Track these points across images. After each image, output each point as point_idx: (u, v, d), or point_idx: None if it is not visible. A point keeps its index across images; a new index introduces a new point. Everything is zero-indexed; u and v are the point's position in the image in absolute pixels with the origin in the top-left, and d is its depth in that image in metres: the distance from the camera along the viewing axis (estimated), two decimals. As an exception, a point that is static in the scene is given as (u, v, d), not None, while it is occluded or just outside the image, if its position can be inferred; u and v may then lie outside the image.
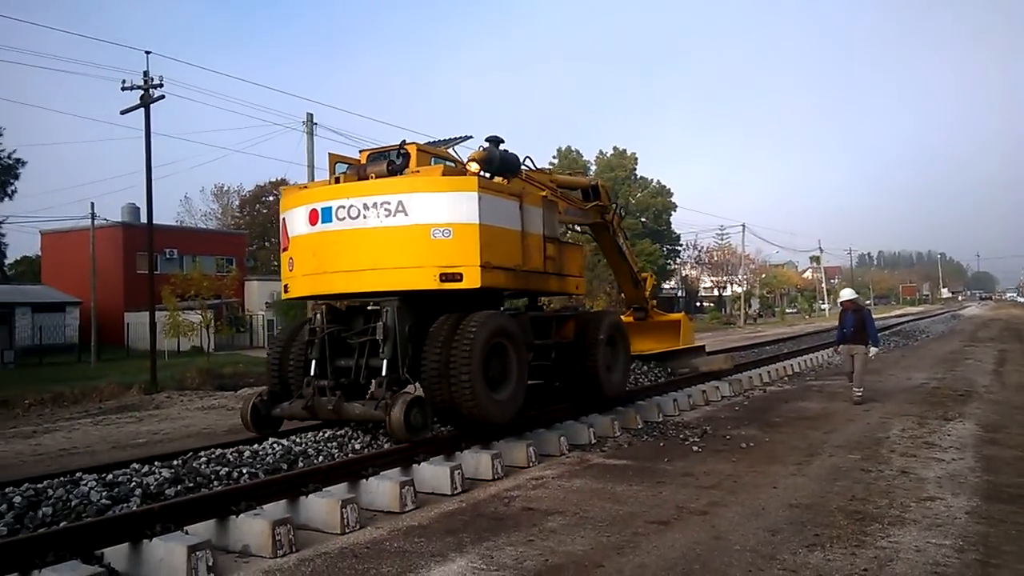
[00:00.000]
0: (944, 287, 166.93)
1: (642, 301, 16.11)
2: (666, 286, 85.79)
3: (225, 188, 73.42)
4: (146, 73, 24.59)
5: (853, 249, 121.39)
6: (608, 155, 75.66)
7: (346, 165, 10.26)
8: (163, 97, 24.48)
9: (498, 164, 10.28)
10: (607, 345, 11.63)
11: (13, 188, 33.93)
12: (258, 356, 34.32)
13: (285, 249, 9.90)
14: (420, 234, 8.92)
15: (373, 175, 9.47)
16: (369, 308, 9.57)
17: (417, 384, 9.13)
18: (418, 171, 9.61)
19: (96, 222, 38.99)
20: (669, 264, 78.19)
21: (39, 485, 6.80)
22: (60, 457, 10.77)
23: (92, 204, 36.84)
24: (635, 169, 75.79)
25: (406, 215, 8.95)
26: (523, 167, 11.13)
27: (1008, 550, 5.80)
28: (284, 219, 9.93)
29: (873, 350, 14.01)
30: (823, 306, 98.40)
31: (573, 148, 75.14)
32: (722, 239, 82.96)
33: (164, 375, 22.17)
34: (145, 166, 23.49)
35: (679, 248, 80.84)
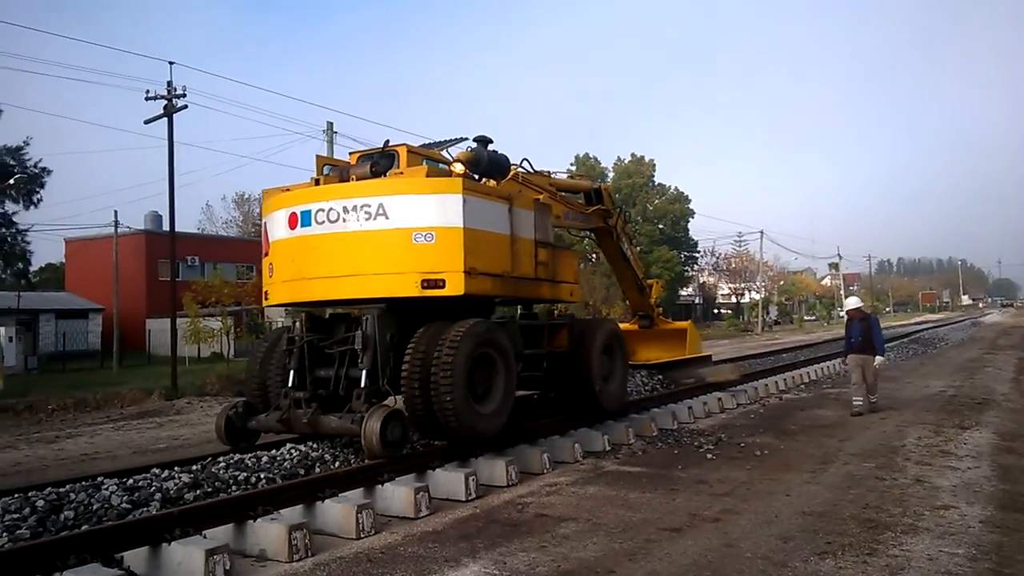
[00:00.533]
0: (964, 294, 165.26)
1: (648, 308, 15.56)
2: (683, 293, 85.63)
3: (246, 196, 73.93)
4: (170, 83, 24.92)
5: (872, 256, 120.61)
6: (626, 162, 75.68)
7: (331, 167, 10.00)
8: (186, 107, 24.81)
9: (486, 165, 9.96)
10: (603, 354, 11.30)
11: (39, 197, 34.41)
12: (276, 362, 34.53)
13: (266, 254, 9.57)
14: (401, 239, 8.55)
15: (355, 177, 9.22)
16: (352, 316, 9.26)
17: (399, 397, 8.74)
18: (402, 172, 9.34)
19: (119, 230, 39.51)
20: (687, 271, 78.04)
21: (61, 489, 6.94)
22: (82, 462, 10.95)
23: (116, 212, 37.38)
24: (653, 176, 75.76)
25: (387, 218, 8.58)
26: (520, 169, 10.81)
27: (1022, 559, 5.79)
28: (265, 223, 9.66)
29: (879, 359, 13.64)
30: (842, 313, 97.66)
31: (592, 155, 75.27)
32: (740, 246, 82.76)
33: (184, 381, 22.41)
34: (168, 175, 23.80)
35: (697, 255, 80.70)
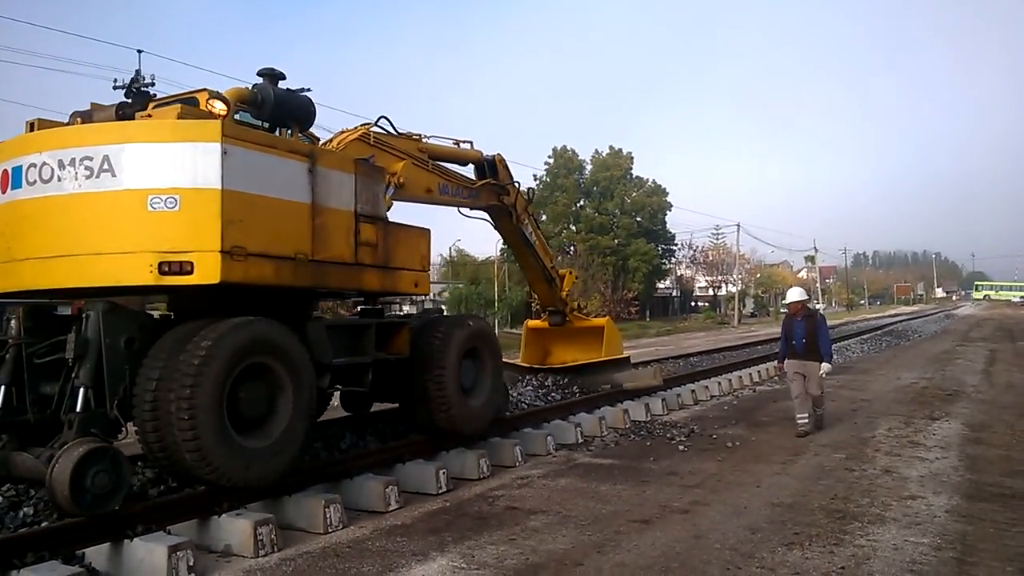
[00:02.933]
0: (939, 287, 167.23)
1: (558, 303, 13.24)
2: (661, 286, 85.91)
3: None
4: (138, 71, 24.48)
5: (848, 249, 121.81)
6: (604, 154, 75.72)
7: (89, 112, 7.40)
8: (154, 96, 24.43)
9: (272, 107, 7.35)
10: (466, 361, 8.88)
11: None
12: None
13: None
14: (132, 204, 6.18)
15: (80, 120, 7.06)
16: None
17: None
18: (149, 115, 7.17)
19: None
20: (664, 264, 78.29)
21: (20, 486, 6.79)
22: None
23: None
24: (631, 168, 75.84)
25: (114, 176, 6.20)
26: (376, 128, 8.99)
27: (984, 548, 5.85)
28: None
29: (825, 367, 10.75)
30: (818, 306, 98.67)
31: (569, 147, 75.23)
32: (717, 239, 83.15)
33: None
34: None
35: (674, 248, 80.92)
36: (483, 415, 9.07)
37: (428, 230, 8.70)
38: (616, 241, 71.25)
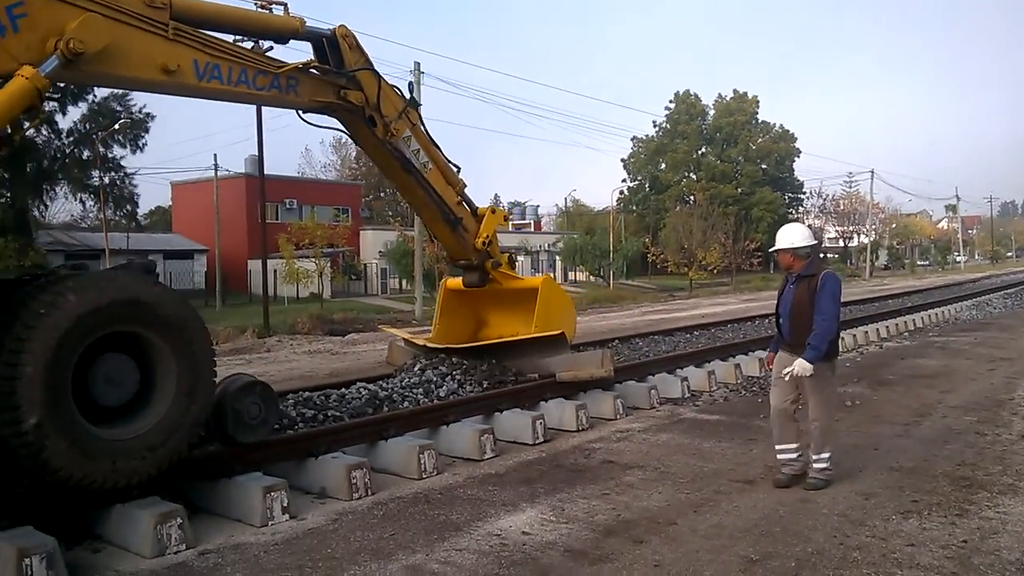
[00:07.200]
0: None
1: (468, 253, 9.19)
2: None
3: (343, 140, 75.26)
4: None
5: (995, 197, 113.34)
6: (728, 99, 72.89)
7: None
8: (271, 48, 24.93)
9: None
10: (107, 358, 5.26)
11: (144, 141, 35.67)
12: (371, 303, 35.36)
13: None
14: None
15: None
16: None
17: None
18: None
19: (221, 173, 40.83)
20: (791, 214, 75.21)
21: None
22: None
23: (215, 156, 39.10)
24: (756, 113, 72.85)
25: None
26: None
27: None
28: None
29: (801, 365, 6.05)
30: (959, 258, 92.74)
31: (692, 92, 72.80)
32: (849, 187, 78.98)
33: (277, 320, 23.03)
34: (256, 120, 24.05)
35: (802, 196, 77.64)
36: (144, 453, 5.24)
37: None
38: (739, 190, 68.94)
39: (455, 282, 10.03)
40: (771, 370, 6.69)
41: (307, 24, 7.41)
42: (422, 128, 8.59)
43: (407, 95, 8.41)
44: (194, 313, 5.68)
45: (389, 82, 8.20)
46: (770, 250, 7.17)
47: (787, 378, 6.22)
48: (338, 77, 7.55)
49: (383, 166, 8.73)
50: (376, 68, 7.93)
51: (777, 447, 6.39)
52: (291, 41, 7.50)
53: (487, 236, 9.21)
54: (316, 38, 7.60)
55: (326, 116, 7.86)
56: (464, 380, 8.86)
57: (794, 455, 6.30)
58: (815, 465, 6.19)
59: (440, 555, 4.95)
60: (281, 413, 7.22)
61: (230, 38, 6.85)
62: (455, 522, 5.55)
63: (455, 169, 9.05)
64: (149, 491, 5.42)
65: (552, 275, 53.60)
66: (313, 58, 7.54)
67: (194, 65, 6.41)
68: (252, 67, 6.85)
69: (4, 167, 31.63)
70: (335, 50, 7.62)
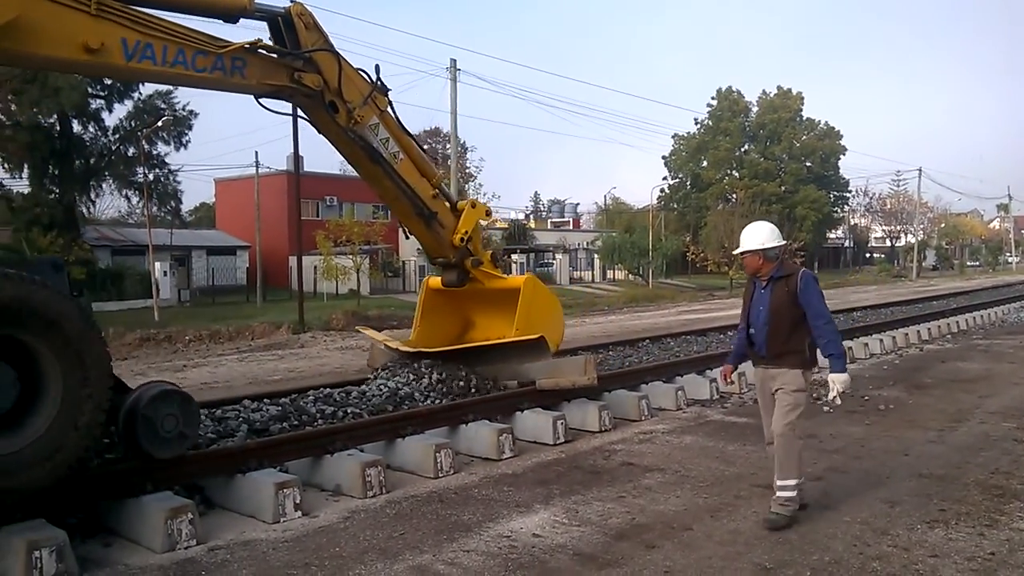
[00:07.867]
0: None
1: (446, 250, 8.67)
2: (832, 236, 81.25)
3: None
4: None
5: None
6: (771, 95, 71.67)
7: None
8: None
9: None
10: None
11: (187, 138, 36.25)
12: (408, 300, 35.45)
13: None
14: None
15: None
16: None
17: None
18: None
19: (262, 171, 41.31)
20: (836, 212, 73.83)
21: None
22: (199, 391, 11.40)
23: (256, 153, 39.12)
24: (800, 110, 71.46)
25: None
26: None
27: None
28: None
29: (840, 380, 5.48)
30: (1011, 259, 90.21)
31: (734, 88, 71.78)
32: (897, 185, 77.29)
33: (312, 316, 23.21)
34: (292, 118, 24.23)
35: (848, 195, 76.06)
36: (26, 469, 4.73)
37: None
38: (783, 188, 67.81)
39: (436, 281, 9.43)
40: (730, 383, 6.36)
41: (257, 2, 6.74)
42: (392, 115, 7.96)
43: (374, 78, 7.72)
44: (82, 313, 5.05)
45: (354, 65, 7.53)
46: (734, 252, 6.83)
47: (837, 401, 5.62)
48: (292, 59, 6.94)
49: (348, 156, 7.98)
50: (336, 49, 7.28)
51: (777, 484, 5.48)
52: (241, 20, 6.76)
53: (466, 232, 8.59)
54: (270, 17, 6.96)
55: (283, 102, 7.29)
56: (429, 387, 8.32)
57: (789, 492, 5.43)
58: (779, 494, 5.40)
59: (447, 556, 4.89)
60: (205, 427, 6.51)
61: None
62: (466, 522, 5.50)
63: (431, 160, 8.49)
64: (32, 513, 4.87)
65: (591, 273, 53.34)
66: (266, 39, 6.98)
67: (122, 44, 5.81)
68: (191, 47, 6.20)
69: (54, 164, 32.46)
70: (291, 30, 7.01)
